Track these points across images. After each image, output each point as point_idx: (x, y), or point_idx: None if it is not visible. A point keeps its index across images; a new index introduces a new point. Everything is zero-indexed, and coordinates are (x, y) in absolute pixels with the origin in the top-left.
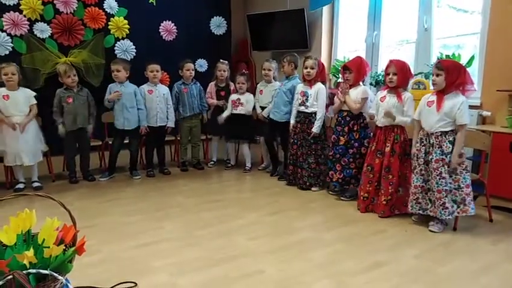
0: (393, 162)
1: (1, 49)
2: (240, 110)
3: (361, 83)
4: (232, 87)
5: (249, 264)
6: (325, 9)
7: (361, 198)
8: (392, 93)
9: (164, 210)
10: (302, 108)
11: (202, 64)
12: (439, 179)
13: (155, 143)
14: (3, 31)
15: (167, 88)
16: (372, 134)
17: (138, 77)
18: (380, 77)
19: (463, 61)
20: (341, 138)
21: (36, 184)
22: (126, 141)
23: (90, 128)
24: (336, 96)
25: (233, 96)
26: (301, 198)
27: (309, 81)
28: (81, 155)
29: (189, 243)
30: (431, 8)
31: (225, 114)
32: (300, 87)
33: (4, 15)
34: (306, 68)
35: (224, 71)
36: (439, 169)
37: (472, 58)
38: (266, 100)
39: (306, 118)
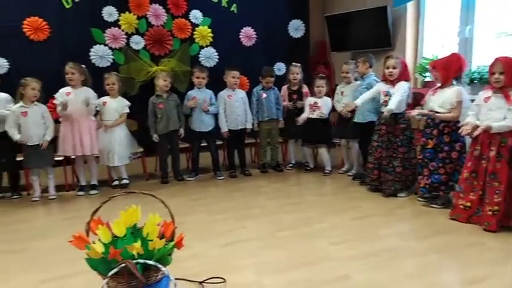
0: (500, 168)
1: (103, 61)
2: (316, 115)
3: (454, 82)
4: (305, 89)
5: (333, 269)
6: (410, 5)
7: (462, 207)
8: (499, 94)
9: (246, 210)
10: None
11: (280, 68)
12: None
13: (236, 145)
14: (105, 45)
15: (244, 92)
16: (465, 137)
17: (219, 82)
18: (475, 74)
19: None
20: (429, 141)
21: (124, 181)
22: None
23: (181, 131)
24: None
25: (310, 100)
26: (386, 204)
27: (392, 81)
28: (172, 156)
29: (272, 244)
30: None
31: (304, 115)
32: (382, 86)
33: (106, 30)
34: (388, 68)
35: (297, 73)
36: None
37: None
38: (347, 100)
39: (392, 119)
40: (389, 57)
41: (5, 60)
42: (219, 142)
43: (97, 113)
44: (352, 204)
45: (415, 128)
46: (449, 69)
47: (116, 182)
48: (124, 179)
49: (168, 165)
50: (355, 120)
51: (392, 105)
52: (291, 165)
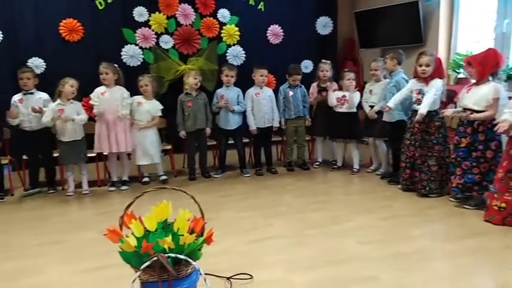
0: None
1: (134, 60)
2: (345, 108)
3: (490, 79)
4: (334, 87)
5: (362, 269)
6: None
7: (496, 208)
8: None
9: (273, 208)
10: (419, 107)
11: (307, 65)
12: None
13: (263, 143)
14: (136, 45)
15: (271, 90)
16: (501, 136)
17: (247, 80)
18: None
19: None
20: (463, 139)
21: (163, 177)
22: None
23: (207, 131)
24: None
25: (338, 93)
26: (417, 204)
27: (425, 79)
28: (200, 154)
29: (300, 242)
30: None
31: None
32: (415, 84)
33: (137, 30)
34: (421, 65)
35: (327, 71)
36: None
37: None
38: (376, 99)
39: (425, 117)
40: (423, 54)
41: (42, 61)
42: (245, 140)
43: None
44: (381, 204)
45: (448, 126)
46: (486, 65)
47: (146, 179)
48: (162, 175)
49: (195, 162)
50: (384, 119)
51: (424, 108)
52: (317, 163)
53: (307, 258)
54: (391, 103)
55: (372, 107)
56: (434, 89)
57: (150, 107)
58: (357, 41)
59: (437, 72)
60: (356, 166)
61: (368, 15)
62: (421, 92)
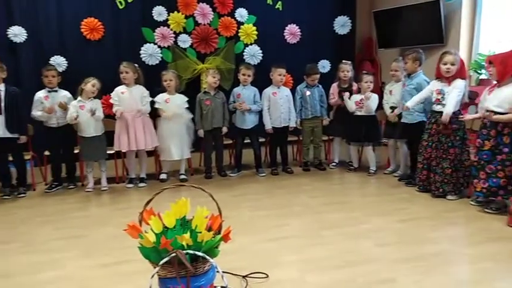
0: None
1: (152, 59)
2: (363, 112)
3: None
4: (355, 87)
5: (378, 271)
6: None
7: None
8: None
9: (289, 207)
10: (438, 108)
11: (325, 65)
12: None
13: (278, 143)
14: (154, 43)
15: (288, 89)
16: None
17: (264, 79)
18: None
19: None
20: (486, 142)
21: (182, 176)
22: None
23: (224, 130)
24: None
25: (356, 97)
26: (435, 206)
27: (447, 78)
28: (216, 153)
29: (316, 242)
30: None
31: (349, 103)
32: (436, 84)
33: (156, 30)
34: (446, 64)
35: (347, 71)
36: None
37: None
38: (396, 100)
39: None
40: (447, 53)
41: (64, 59)
42: (261, 139)
43: (151, 110)
44: (399, 206)
45: (469, 128)
46: (507, 65)
47: (163, 176)
48: (182, 174)
49: (212, 161)
50: (404, 120)
51: (450, 108)
52: (334, 164)
53: (323, 259)
54: (410, 103)
55: (392, 107)
56: (458, 90)
57: (181, 100)
58: (375, 41)
59: (460, 73)
60: (373, 167)
61: (387, 14)
62: (441, 92)
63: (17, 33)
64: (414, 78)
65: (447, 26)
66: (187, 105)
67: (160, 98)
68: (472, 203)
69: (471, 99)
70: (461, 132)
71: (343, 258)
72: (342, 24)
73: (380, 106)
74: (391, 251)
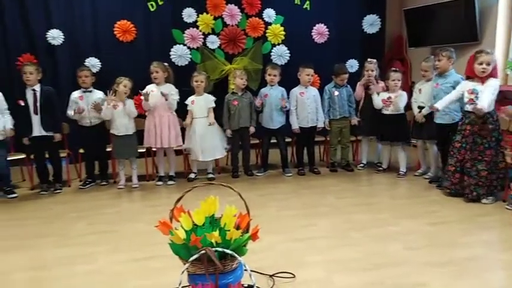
0: None
1: (182, 60)
2: (390, 110)
3: None
4: (381, 84)
5: (408, 275)
6: None
7: None
8: None
9: (316, 208)
10: (472, 108)
11: (353, 65)
12: None
13: (305, 143)
14: (184, 45)
15: (316, 89)
16: None
17: (291, 79)
18: None
19: None
20: None
21: (210, 175)
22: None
23: (252, 129)
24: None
25: (383, 95)
26: (468, 210)
27: (481, 78)
28: (243, 152)
29: (343, 243)
30: None
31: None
32: (468, 84)
33: (185, 31)
34: (481, 64)
35: (372, 70)
36: None
37: None
38: (425, 99)
39: (479, 118)
40: (484, 53)
41: (98, 60)
42: (288, 139)
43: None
44: (429, 209)
45: (504, 129)
46: None
47: (192, 176)
48: (209, 173)
49: (238, 160)
50: (439, 121)
51: (484, 103)
52: (362, 165)
53: (350, 260)
54: (440, 104)
55: (420, 107)
56: (493, 88)
57: (204, 101)
58: (405, 40)
59: (492, 72)
60: (402, 169)
61: (419, 12)
62: (474, 92)
63: (55, 36)
64: (448, 76)
65: (482, 23)
66: (213, 105)
67: (188, 100)
68: (507, 207)
69: (507, 98)
70: (496, 133)
71: (371, 260)
72: (371, 23)
73: (408, 106)
74: (421, 254)
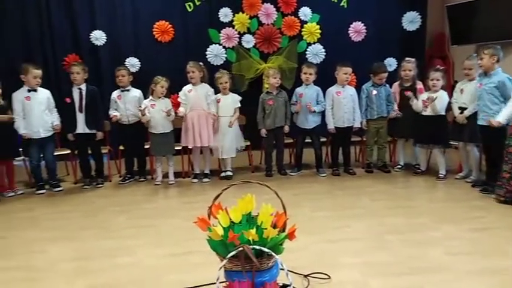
0: None
1: (217, 59)
2: (429, 111)
3: None
4: (419, 86)
5: (449, 282)
6: None
7: None
8: None
9: (350, 209)
10: None
11: (391, 63)
12: None
13: (341, 143)
14: (219, 44)
15: (353, 89)
16: None
17: (327, 78)
18: None
19: None
20: None
21: (228, 173)
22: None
23: (286, 128)
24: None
25: (423, 96)
26: None
27: None
28: (277, 151)
29: (379, 246)
30: None
31: (416, 104)
32: None
33: (221, 30)
34: None
35: (409, 70)
36: None
37: None
38: (467, 99)
39: None
40: None
41: (137, 60)
42: (323, 139)
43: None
44: (472, 214)
45: None
46: None
47: (223, 174)
48: (228, 171)
49: (272, 159)
50: (482, 123)
51: (500, 118)
52: (399, 166)
53: (387, 264)
54: (502, 118)
55: (461, 108)
56: None
57: (231, 100)
58: (447, 37)
59: None
60: (442, 171)
61: (463, 8)
62: None
63: (98, 37)
64: (493, 75)
65: None
66: (239, 105)
67: (214, 97)
68: None
69: None
70: None
71: (410, 264)
72: (410, 20)
73: (449, 106)
74: (464, 261)
